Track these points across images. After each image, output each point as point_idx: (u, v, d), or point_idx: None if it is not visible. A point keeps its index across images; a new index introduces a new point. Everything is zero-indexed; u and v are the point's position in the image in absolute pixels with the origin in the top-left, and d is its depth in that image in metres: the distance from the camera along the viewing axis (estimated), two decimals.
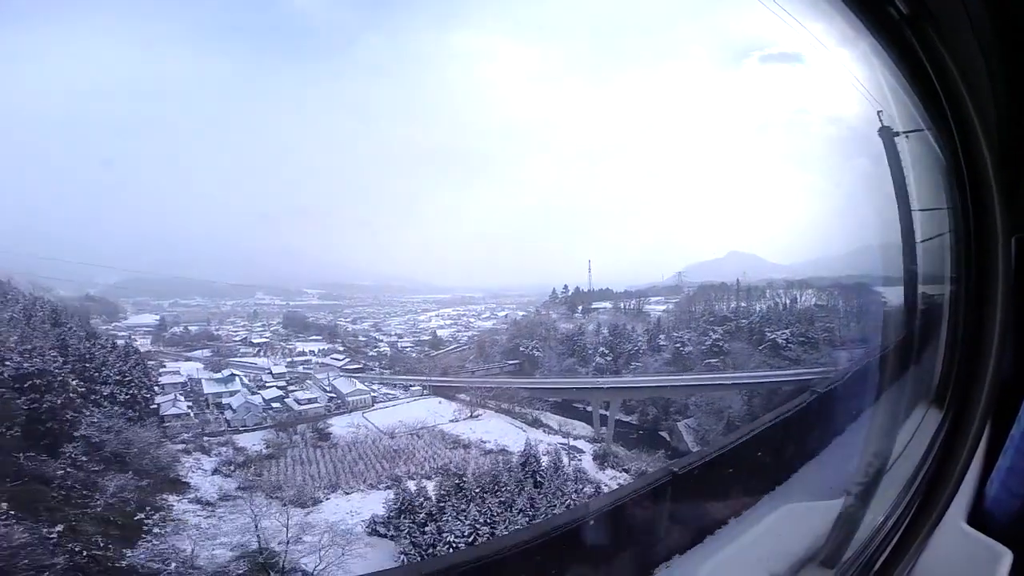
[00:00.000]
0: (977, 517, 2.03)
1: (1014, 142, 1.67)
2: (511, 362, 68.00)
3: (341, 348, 67.14)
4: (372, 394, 52.02)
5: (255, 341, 64.56)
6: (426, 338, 75.56)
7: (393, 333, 78.06)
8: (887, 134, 2.36)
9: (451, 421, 47.71)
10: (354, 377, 57.25)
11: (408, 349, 73.41)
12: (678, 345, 61.82)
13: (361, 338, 75.35)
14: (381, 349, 71.51)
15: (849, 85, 2.54)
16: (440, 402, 51.82)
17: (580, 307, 78.42)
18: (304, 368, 58.45)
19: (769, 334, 59.25)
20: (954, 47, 1.64)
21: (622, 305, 75.24)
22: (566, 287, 79.37)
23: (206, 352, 59.40)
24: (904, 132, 2.23)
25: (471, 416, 49.27)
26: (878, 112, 2.33)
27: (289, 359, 60.68)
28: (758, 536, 2.65)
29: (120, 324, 61.20)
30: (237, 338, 64.93)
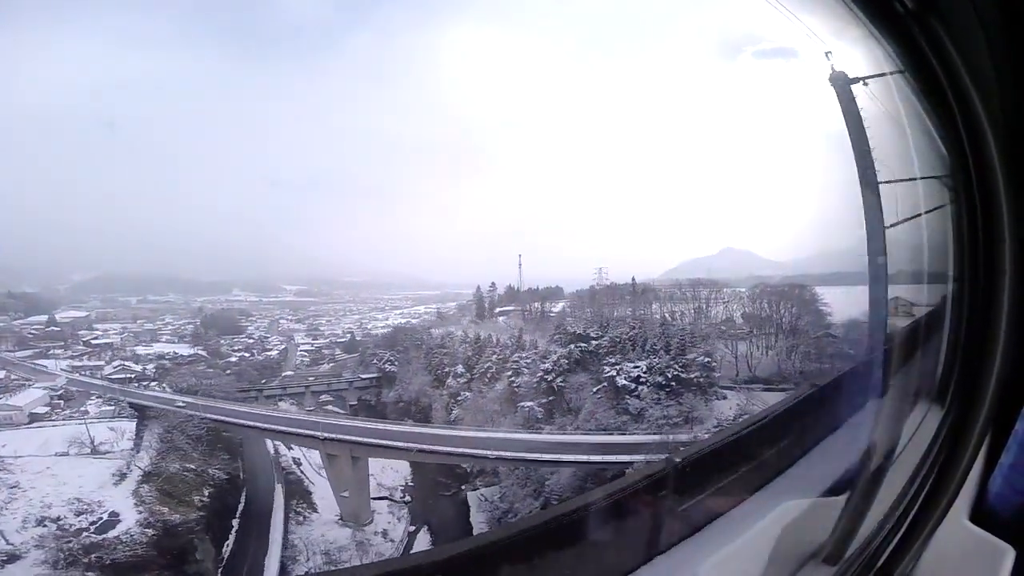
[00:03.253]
0: (980, 514, 2.03)
1: (1022, 139, 1.65)
2: (365, 376, 60.75)
3: (187, 352, 62.39)
4: (31, 411, 42.54)
5: (95, 342, 61.55)
6: (343, 340, 72.15)
7: (325, 333, 75.72)
8: (891, 129, 2.34)
9: (21, 456, 35.15)
10: (84, 389, 48.57)
11: (306, 353, 70.18)
12: (511, 375, 49.02)
13: (257, 338, 71.97)
14: (268, 354, 67.91)
15: (851, 81, 2.52)
16: (97, 427, 39.89)
17: (486, 310, 70.41)
18: (81, 376, 51.82)
19: (609, 369, 44.52)
20: (961, 42, 1.62)
21: (528, 307, 67.23)
22: (493, 285, 72.74)
23: (26, 352, 57.02)
24: (909, 128, 2.22)
25: (79, 451, 36.88)
26: (882, 108, 2.31)
27: (75, 363, 55.64)
28: (760, 533, 2.65)
29: (15, 323, 61.49)
30: (86, 338, 62.04)
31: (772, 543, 2.49)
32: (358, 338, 72.11)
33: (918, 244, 2.48)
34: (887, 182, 2.67)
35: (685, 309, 57.62)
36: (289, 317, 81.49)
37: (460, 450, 38.31)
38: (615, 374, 45.63)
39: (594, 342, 50.31)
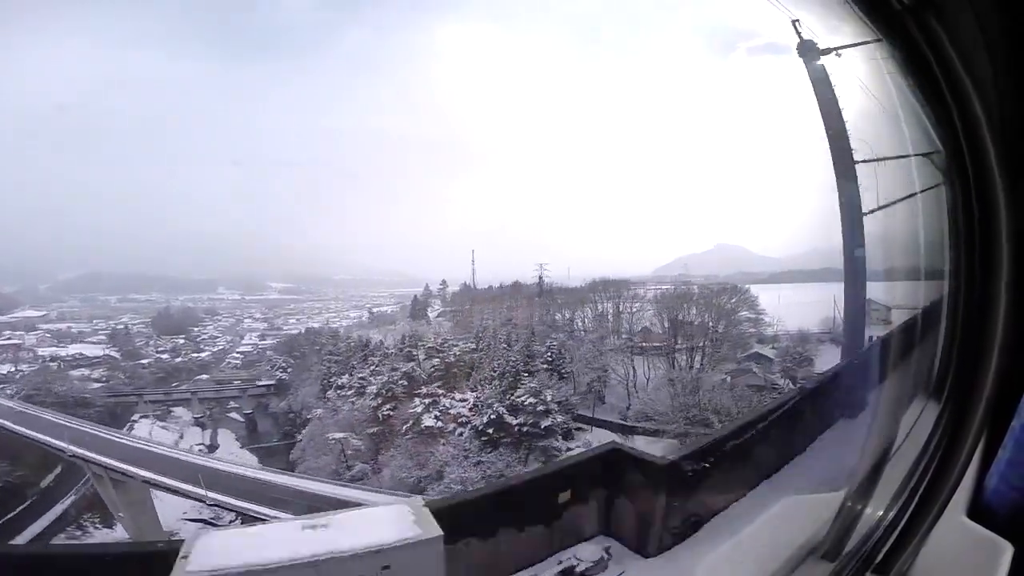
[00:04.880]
0: (977, 510, 2.04)
1: (1019, 135, 1.65)
2: (260, 383, 56.98)
3: (96, 354, 60.66)
4: None
5: (1, 343, 60.79)
6: (283, 341, 70.03)
7: (282, 333, 73.60)
8: (887, 125, 2.34)
9: None
10: None
11: (242, 355, 67.88)
12: (354, 395, 40.61)
13: (205, 338, 70.42)
14: (199, 355, 66.07)
15: (846, 77, 2.52)
16: None
17: (421, 311, 66.49)
18: None
19: (419, 402, 35.72)
20: (958, 38, 1.62)
21: (460, 308, 63.20)
22: (444, 283, 68.79)
23: None
24: (905, 124, 2.22)
25: None
26: (878, 103, 2.31)
27: None
28: (758, 529, 2.66)
29: None
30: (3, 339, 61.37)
31: (770, 539, 2.50)
32: (295, 337, 69.79)
33: (914, 240, 2.49)
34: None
35: (605, 312, 48.82)
36: (257, 316, 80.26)
37: (161, 479, 33.22)
38: (422, 410, 34.99)
39: (432, 360, 40.52)
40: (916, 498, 2.11)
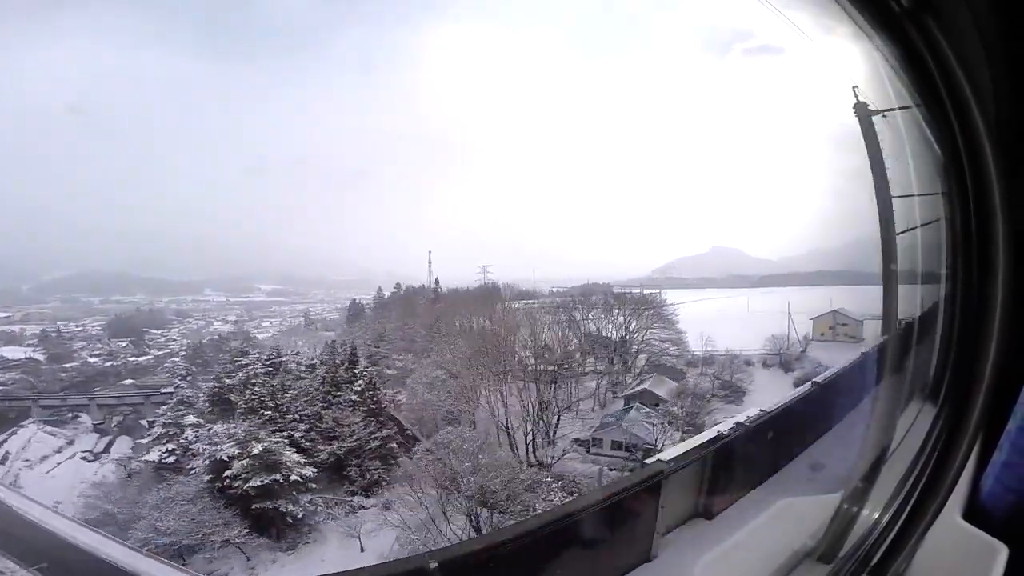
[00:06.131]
0: (973, 512, 2.04)
1: (1016, 137, 1.66)
2: (165, 391, 48.98)
3: (18, 356, 58.73)
4: None
5: None
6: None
7: (252, 338, 69.52)
8: (884, 127, 2.34)
9: None
10: None
11: (177, 358, 63.37)
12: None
13: (160, 341, 67.94)
14: (138, 359, 63.29)
15: (844, 79, 2.52)
16: None
17: (358, 316, 63.69)
18: None
19: (160, 433, 31.13)
20: (956, 40, 1.62)
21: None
22: (398, 286, 66.89)
23: None
24: (903, 126, 2.22)
25: None
26: (874, 106, 2.31)
27: None
28: (755, 531, 2.66)
29: None
30: None
31: (767, 541, 2.50)
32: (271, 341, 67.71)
33: (912, 242, 2.49)
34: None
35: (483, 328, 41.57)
36: (230, 319, 78.17)
37: None
38: (149, 441, 30.82)
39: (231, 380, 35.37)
40: (912, 500, 2.11)
